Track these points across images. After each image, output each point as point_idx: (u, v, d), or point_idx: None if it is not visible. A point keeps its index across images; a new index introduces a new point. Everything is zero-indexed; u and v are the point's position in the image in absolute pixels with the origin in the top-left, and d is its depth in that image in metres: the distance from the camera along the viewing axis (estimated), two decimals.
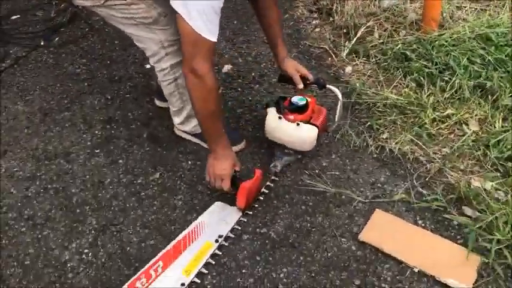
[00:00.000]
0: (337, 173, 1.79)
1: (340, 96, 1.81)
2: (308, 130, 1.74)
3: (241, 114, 2.08)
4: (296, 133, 1.75)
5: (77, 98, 2.18)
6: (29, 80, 2.29)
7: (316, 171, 1.80)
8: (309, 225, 1.61)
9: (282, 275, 1.46)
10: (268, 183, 1.74)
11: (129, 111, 2.10)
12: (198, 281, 1.43)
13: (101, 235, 1.58)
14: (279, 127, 1.77)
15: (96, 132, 1.99)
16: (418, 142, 1.86)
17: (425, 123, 1.91)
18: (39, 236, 1.57)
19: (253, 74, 2.35)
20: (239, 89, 2.24)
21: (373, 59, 2.32)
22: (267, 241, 1.55)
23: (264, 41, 2.55)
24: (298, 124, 1.74)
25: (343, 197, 1.70)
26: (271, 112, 1.79)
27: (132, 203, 1.69)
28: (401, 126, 1.94)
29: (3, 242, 1.55)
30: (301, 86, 1.77)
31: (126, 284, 1.39)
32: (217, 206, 1.64)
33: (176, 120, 1.87)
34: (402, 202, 1.67)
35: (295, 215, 1.64)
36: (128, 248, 1.54)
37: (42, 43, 2.53)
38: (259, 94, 2.20)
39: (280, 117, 1.76)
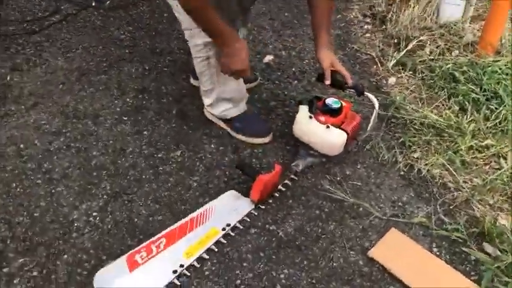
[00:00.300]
0: (359, 184, 1.74)
1: (377, 105, 1.74)
2: (337, 135, 1.69)
3: (273, 108, 2.04)
4: (324, 136, 1.70)
5: (116, 63, 2.19)
6: (73, 38, 2.32)
7: (338, 178, 1.75)
8: (319, 230, 1.56)
9: (282, 276, 1.42)
10: (286, 181, 1.69)
11: (163, 84, 2.09)
12: (197, 265, 1.41)
13: (112, 201, 1.58)
14: (308, 127, 1.72)
15: (128, 99, 2.00)
16: (450, 168, 1.77)
17: (461, 149, 1.83)
18: (53, 191, 1.59)
19: (293, 69, 2.30)
20: (276, 82, 2.20)
21: (420, 75, 2.24)
22: (273, 239, 1.52)
23: (311, 37, 2.50)
24: (328, 127, 1.69)
25: (361, 209, 1.64)
26: (303, 110, 1.74)
27: (149, 176, 1.68)
28: (435, 148, 1.85)
29: (18, 190, 1.58)
30: (327, 82, 1.71)
31: (126, 254, 1.38)
32: (231, 194, 1.61)
33: (206, 101, 1.85)
34: (421, 226, 1.60)
35: (308, 218, 1.59)
36: (136, 219, 1.53)
37: (93, 4, 2.56)
38: (296, 90, 2.16)
39: (310, 117, 1.71)
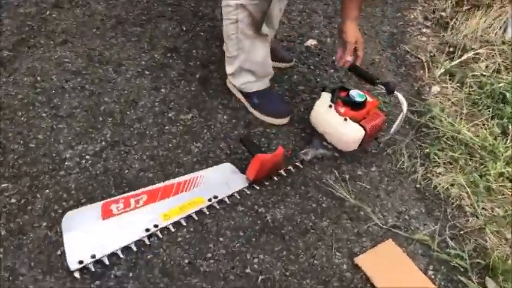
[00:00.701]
0: (367, 187, 1.61)
1: (405, 108, 1.61)
2: (353, 129, 1.57)
3: (300, 92, 1.94)
4: (340, 128, 1.58)
5: (155, 18, 2.16)
6: None
7: (347, 176, 1.63)
8: (310, 224, 1.46)
9: (256, 260, 1.34)
10: (290, 167, 1.60)
11: (195, 48, 2.04)
12: (172, 230, 1.36)
13: (109, 149, 1.55)
14: (325, 116, 1.62)
15: (155, 55, 1.97)
16: (471, 191, 1.61)
17: (490, 174, 1.65)
18: (54, 126, 1.58)
19: (333, 57, 2.18)
20: (311, 67, 2.10)
21: (467, 89, 2.06)
22: (259, 221, 1.44)
23: (364, 31, 2.37)
24: (345, 120, 1.57)
25: (361, 213, 1.52)
26: (324, 97, 1.64)
27: (152, 132, 1.64)
28: (460, 167, 1.69)
29: (22, 119, 1.58)
30: (349, 58, 1.61)
31: (102, 201, 1.35)
32: (227, 166, 1.54)
33: (228, 69, 1.78)
34: (422, 244, 1.46)
35: (302, 209, 1.50)
36: (126, 171, 1.50)
37: None
38: (330, 79, 2.04)
39: (330, 106, 1.60)
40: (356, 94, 1.59)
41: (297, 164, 1.62)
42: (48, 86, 1.71)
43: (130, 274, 1.25)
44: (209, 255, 1.32)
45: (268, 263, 1.34)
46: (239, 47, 1.67)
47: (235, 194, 1.48)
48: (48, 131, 1.56)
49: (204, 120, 1.73)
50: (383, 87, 1.64)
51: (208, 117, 1.74)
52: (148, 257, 1.29)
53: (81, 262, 1.22)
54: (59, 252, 1.25)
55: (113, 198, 1.37)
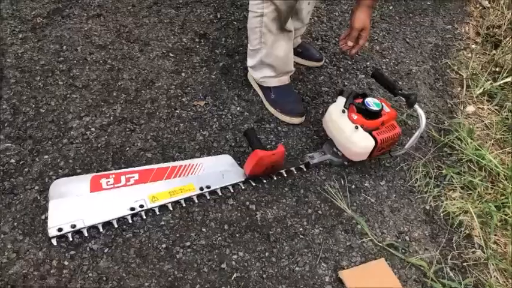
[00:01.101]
0: (372, 201, 1.53)
1: (423, 123, 1.51)
2: (363, 139, 1.49)
3: (323, 93, 1.88)
4: (349, 136, 1.51)
5: (192, 3, 2.16)
6: None
7: (352, 186, 1.56)
8: (301, 230, 1.41)
9: (234, 256, 1.31)
10: (292, 168, 1.55)
11: (225, 36, 2.03)
12: (157, 212, 1.35)
13: (115, 124, 1.57)
14: (337, 121, 1.55)
15: (184, 39, 1.97)
16: (485, 221, 1.49)
17: (509, 207, 1.52)
18: (68, 95, 1.62)
19: (368, 63, 2.09)
20: (341, 70, 2.02)
21: (505, 113, 1.90)
22: (247, 218, 1.40)
23: (407, 41, 2.26)
24: (356, 127, 1.49)
25: (358, 226, 1.45)
26: (339, 101, 1.57)
27: (162, 114, 1.64)
28: (478, 195, 1.57)
29: (39, 84, 1.63)
30: (350, 44, 1.55)
31: (91, 174, 1.36)
32: (225, 158, 1.51)
33: (249, 61, 1.75)
34: (417, 269, 1.37)
35: (295, 213, 1.44)
36: (127, 148, 1.51)
37: None
38: (358, 84, 1.96)
39: (343, 111, 1.53)
40: (372, 102, 1.51)
41: (301, 166, 1.57)
42: (72, 56, 1.75)
43: (106, 250, 1.25)
44: (188, 243, 1.30)
45: (247, 261, 1.30)
46: (261, 41, 1.63)
47: (229, 187, 1.45)
48: (61, 99, 1.60)
49: (216, 109, 1.70)
50: (403, 98, 1.55)
51: (221, 107, 1.72)
52: (127, 235, 1.29)
53: (60, 230, 1.24)
54: (43, 217, 1.28)
55: (104, 173, 1.38)
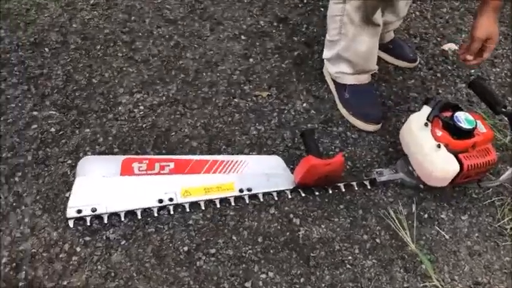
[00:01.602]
0: (447, 237, 1.25)
1: None
2: (445, 161, 1.21)
3: (410, 100, 1.60)
4: (429, 155, 1.24)
5: None
6: None
7: (425, 216, 1.29)
8: (350, 258, 1.18)
9: (263, 276, 1.12)
10: (353, 182, 1.31)
11: (307, 23, 1.81)
12: (187, 210, 1.20)
13: (166, 105, 1.45)
14: (416, 134, 1.28)
15: (261, 22, 1.79)
16: None
17: None
18: (124, 68, 1.53)
19: (472, 71, 1.76)
20: (438, 75, 1.72)
21: None
22: (287, 233, 1.20)
23: None
24: (439, 146, 1.22)
25: (423, 266, 1.18)
26: (423, 111, 1.30)
27: (218, 101, 1.49)
28: None
29: (98, 53, 1.56)
30: (469, 57, 1.26)
31: (124, 156, 1.24)
32: (275, 160, 1.32)
33: (326, 53, 1.52)
34: None
35: (346, 236, 1.22)
36: (173, 134, 1.38)
37: None
38: (455, 95, 1.65)
39: (426, 124, 1.26)
40: (463, 118, 1.22)
41: (365, 182, 1.32)
42: (138, 28, 1.66)
43: (123, 242, 1.13)
44: (213, 251, 1.14)
45: (277, 284, 1.11)
46: (341, 32, 1.41)
47: (273, 193, 1.26)
48: (117, 71, 1.51)
49: (279, 103, 1.51)
50: (506, 118, 1.24)
51: (285, 101, 1.52)
52: (149, 230, 1.16)
53: (79, 211, 1.14)
54: (67, 195, 1.19)
55: (137, 156, 1.25)
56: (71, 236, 1.12)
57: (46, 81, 1.44)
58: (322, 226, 1.23)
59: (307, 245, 1.18)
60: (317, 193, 1.28)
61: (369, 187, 1.32)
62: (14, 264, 1.06)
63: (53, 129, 1.33)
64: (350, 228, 1.23)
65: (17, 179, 1.21)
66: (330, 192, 1.29)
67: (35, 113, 1.35)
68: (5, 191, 1.18)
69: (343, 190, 1.30)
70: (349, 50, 1.43)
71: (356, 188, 1.31)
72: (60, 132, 1.32)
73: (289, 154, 1.37)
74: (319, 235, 1.21)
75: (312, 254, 1.17)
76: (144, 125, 1.38)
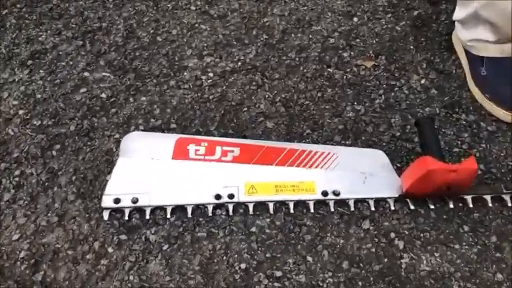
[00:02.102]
0: None
1: None
2: None
3: None
4: None
5: None
6: None
7: None
8: None
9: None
10: (486, 195, 0.93)
11: None
12: (251, 211, 0.91)
13: (241, 74, 1.15)
14: None
15: None
16: None
17: None
18: (196, 25, 1.25)
19: None
20: None
21: None
22: (385, 260, 0.87)
23: None
24: None
25: None
26: None
27: (307, 70, 1.17)
28: None
29: (168, 5, 1.30)
30: None
31: (179, 135, 0.98)
32: (377, 154, 0.97)
33: (457, 13, 1.12)
34: None
35: (471, 272, 0.85)
36: (244, 109, 1.09)
37: None
38: None
39: None
40: None
41: (504, 196, 0.93)
42: None
43: (165, 247, 0.87)
44: (279, 273, 0.85)
45: None
46: None
47: (370, 201, 0.92)
48: (187, 28, 1.24)
49: (389, 77, 1.15)
50: None
51: (397, 74, 1.15)
52: (200, 234, 0.89)
53: (117, 201, 0.90)
54: (108, 178, 0.96)
55: (195, 137, 0.98)
56: (103, 232, 0.89)
57: (104, 37, 1.21)
58: (436, 254, 0.87)
59: (411, 279, 0.84)
60: (432, 206, 0.92)
61: (509, 204, 0.93)
62: (33, 260, 0.86)
63: (103, 95, 1.10)
64: (477, 261, 0.86)
65: (54, 152, 1.00)
66: (451, 206, 0.92)
67: (86, 73, 1.14)
68: (39, 167, 0.98)
69: (471, 205, 0.92)
70: (491, 8, 1.02)
71: (490, 204, 0.93)
72: (112, 99, 1.09)
73: (397, 148, 1.01)
74: (430, 267, 0.86)
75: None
76: (211, 97, 1.10)
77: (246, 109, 1.09)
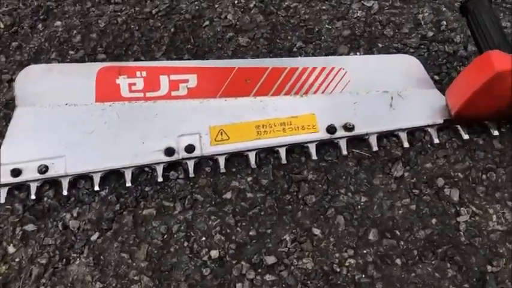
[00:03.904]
0: None
1: None
2: None
3: None
4: None
5: None
6: None
7: None
8: None
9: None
10: None
11: None
12: (221, 170, 0.59)
13: None
14: None
15: None
16: None
17: None
18: None
19: None
20: None
21: None
22: (424, 209, 0.56)
23: None
24: None
25: None
26: None
27: None
28: None
29: None
30: None
31: (102, 64, 0.64)
32: (404, 62, 0.64)
33: None
34: None
35: None
36: (205, 24, 0.75)
37: None
38: None
39: None
40: None
41: None
42: None
43: (94, 237, 0.57)
44: (271, 259, 0.54)
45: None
46: None
47: (400, 135, 0.60)
48: None
49: None
50: None
51: None
52: (146, 212, 0.58)
53: (17, 173, 0.59)
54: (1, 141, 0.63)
55: (127, 64, 0.65)
56: None
57: None
58: (510, 204, 0.56)
59: (477, 247, 0.54)
60: (495, 133, 0.61)
61: None
62: None
63: (0, 25, 0.76)
64: None
65: None
66: None
67: None
68: None
69: None
70: None
71: None
72: (13, 29, 0.76)
73: (431, 54, 0.69)
74: (503, 225, 0.55)
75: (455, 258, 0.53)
76: (154, 10, 0.77)
77: (207, 23, 0.75)
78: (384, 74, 0.62)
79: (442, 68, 0.67)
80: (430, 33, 0.71)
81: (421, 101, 0.60)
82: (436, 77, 0.66)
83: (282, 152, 0.60)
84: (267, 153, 0.61)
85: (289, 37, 0.72)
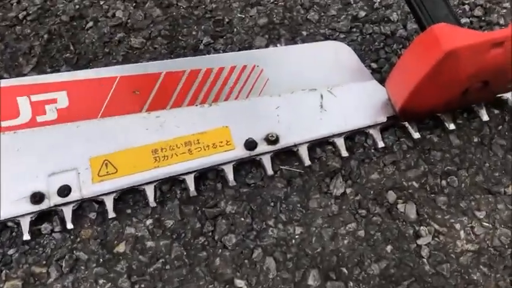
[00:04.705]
0: None
1: None
2: None
3: None
4: None
5: None
6: None
7: None
8: None
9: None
10: None
11: None
12: (110, 213, 0.45)
13: None
14: None
15: None
16: None
17: None
18: None
19: None
20: None
21: None
22: (376, 234, 0.43)
23: None
24: None
25: None
26: None
27: None
28: None
29: None
30: None
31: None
32: (332, 51, 0.51)
33: None
34: None
35: None
36: (89, 26, 0.60)
37: None
38: None
39: None
40: None
41: None
42: None
43: None
44: None
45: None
46: None
47: (336, 142, 0.48)
48: None
49: None
50: None
51: None
52: (7, 286, 0.42)
53: None
54: None
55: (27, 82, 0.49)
56: None
57: None
58: (479, 215, 0.45)
59: (444, 278, 0.42)
60: (451, 126, 0.49)
61: None
62: None
63: None
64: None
65: None
66: (485, 118, 0.50)
67: None
68: None
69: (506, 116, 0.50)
70: None
71: None
72: None
73: (365, 38, 0.57)
74: (473, 243, 0.43)
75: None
76: (22, 14, 0.61)
77: (90, 24, 0.60)
78: (309, 67, 0.50)
79: (380, 54, 0.55)
80: (362, 13, 0.59)
81: (357, 97, 0.48)
82: (374, 65, 0.54)
83: (190, 180, 0.46)
84: (171, 185, 0.47)
85: (193, 32, 0.59)
